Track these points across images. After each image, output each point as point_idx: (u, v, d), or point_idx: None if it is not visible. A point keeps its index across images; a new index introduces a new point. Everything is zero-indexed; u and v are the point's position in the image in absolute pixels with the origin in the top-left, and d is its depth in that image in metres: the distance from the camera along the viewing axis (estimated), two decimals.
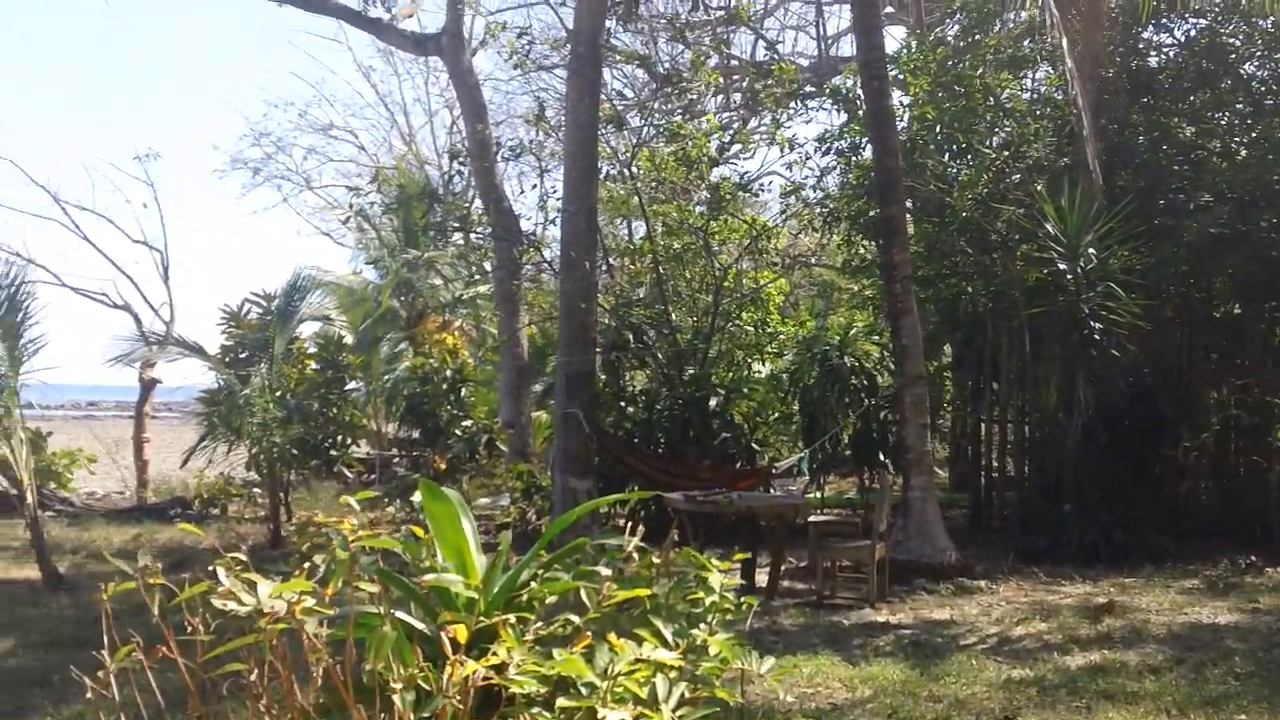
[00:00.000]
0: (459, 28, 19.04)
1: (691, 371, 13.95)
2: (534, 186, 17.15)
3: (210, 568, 3.01)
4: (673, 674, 3.41)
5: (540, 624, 3.72)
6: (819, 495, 13.67)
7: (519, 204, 19.78)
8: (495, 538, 8.89)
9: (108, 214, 21.13)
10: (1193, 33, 13.59)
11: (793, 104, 16.62)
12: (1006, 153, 13.69)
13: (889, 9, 18.88)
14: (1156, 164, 12.96)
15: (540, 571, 4.30)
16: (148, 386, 18.69)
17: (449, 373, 14.64)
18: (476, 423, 14.37)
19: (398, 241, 23.42)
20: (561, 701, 3.12)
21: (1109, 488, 11.22)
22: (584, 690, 3.17)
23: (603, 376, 13.89)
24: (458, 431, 14.19)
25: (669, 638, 3.66)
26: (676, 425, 13.30)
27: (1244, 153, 13.37)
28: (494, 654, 3.14)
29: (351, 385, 15.96)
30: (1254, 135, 13.29)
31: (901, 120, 13.56)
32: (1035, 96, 14.69)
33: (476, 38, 19.76)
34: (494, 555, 4.42)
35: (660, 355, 14.49)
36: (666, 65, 18.84)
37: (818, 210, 15.52)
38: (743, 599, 4.03)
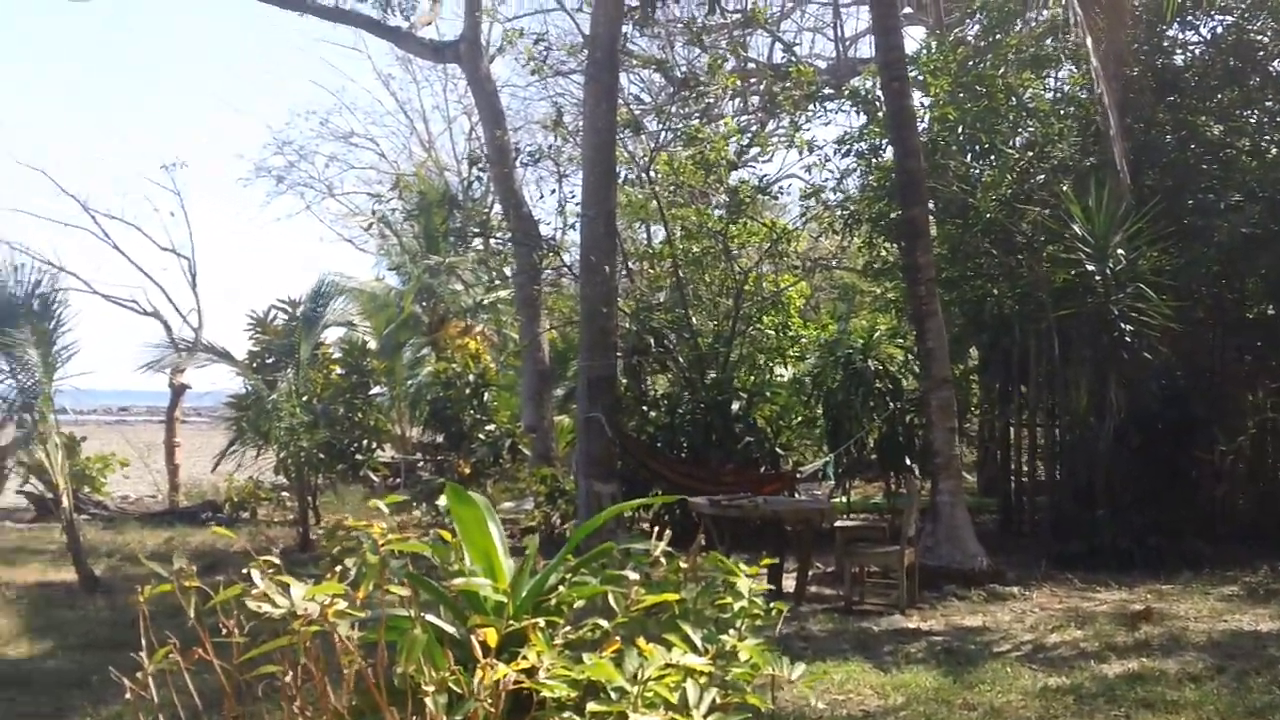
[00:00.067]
0: (476, 35, 19.13)
1: (713, 375, 13.96)
2: (553, 191, 17.21)
3: (244, 570, 3.04)
4: (703, 679, 3.41)
5: (569, 628, 3.73)
6: (844, 500, 13.63)
7: (538, 209, 19.90)
8: (520, 542, 8.98)
9: (136, 222, 21.32)
10: (1219, 30, 13.47)
11: (811, 106, 16.61)
12: (1030, 153, 13.62)
13: (907, 9, 18.82)
14: (1184, 163, 12.85)
15: (567, 576, 4.32)
16: (178, 392, 18.85)
17: (471, 377, 14.72)
18: (499, 427, 14.43)
19: (419, 247, 23.55)
20: (592, 706, 3.13)
21: (1142, 492, 11.09)
22: (614, 695, 3.18)
23: (624, 381, 13.90)
24: (481, 436, 14.25)
25: (698, 643, 3.66)
26: (699, 429, 13.30)
27: (1274, 151, 13.24)
28: (524, 658, 3.15)
29: (375, 390, 16.07)
30: None
31: (922, 121, 13.50)
32: (1059, 96, 14.61)
33: (494, 45, 19.88)
34: (521, 559, 4.45)
35: (681, 359, 14.49)
36: (683, 69, 18.86)
37: (838, 213, 15.48)
38: (772, 604, 4.02)
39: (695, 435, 13.30)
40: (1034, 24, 15.00)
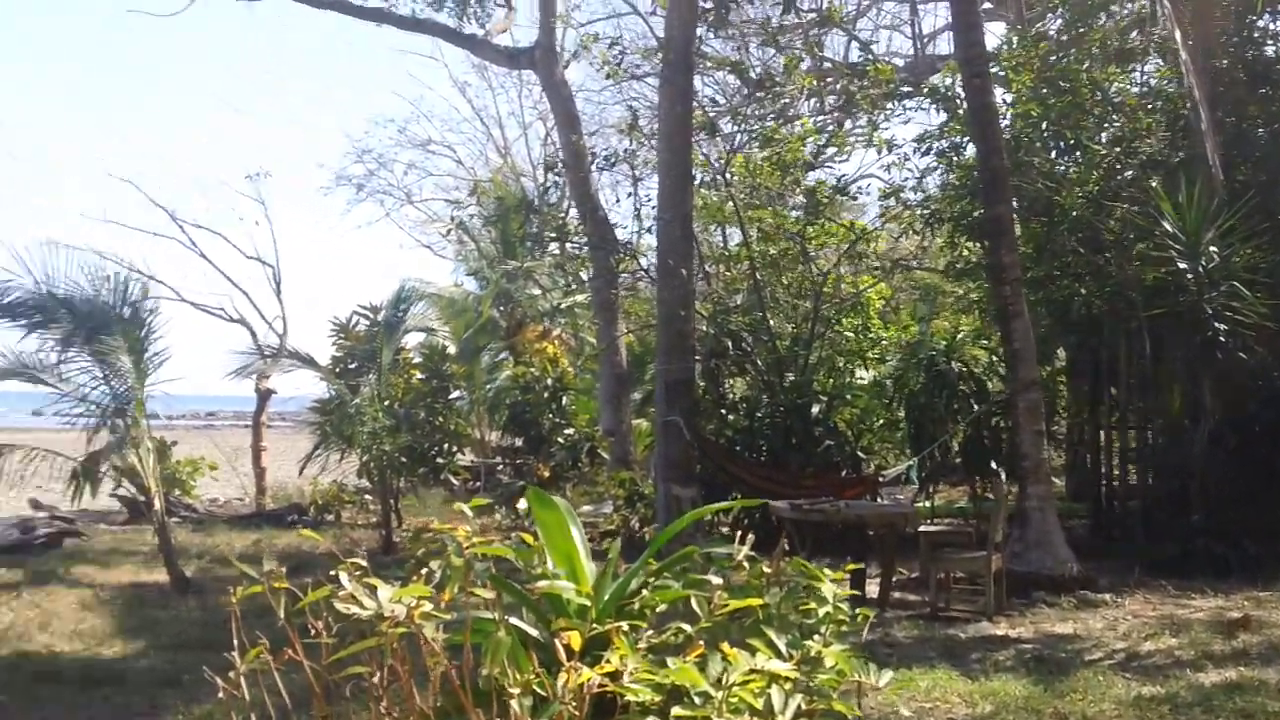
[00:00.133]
0: (551, 41, 19.28)
1: (792, 378, 13.84)
2: (629, 195, 17.25)
3: (331, 572, 3.07)
4: (788, 685, 3.37)
5: (651, 632, 3.72)
6: (928, 504, 13.41)
7: (614, 213, 19.95)
8: (599, 545, 8.97)
9: (223, 231, 21.84)
10: None
11: (890, 105, 16.40)
12: (1117, 148, 13.27)
13: (987, 4, 18.50)
14: (1278, 157, 12.42)
15: (649, 580, 4.30)
16: (264, 397, 19.24)
17: (550, 381, 14.80)
18: (578, 431, 14.48)
19: (496, 252, 23.79)
20: (676, 711, 3.11)
21: (1238, 495, 10.71)
22: (698, 700, 3.16)
23: (702, 384, 13.86)
24: (560, 439, 14.31)
25: (782, 648, 3.62)
26: (778, 432, 13.20)
27: None
28: (607, 661, 3.14)
29: (455, 394, 16.23)
30: None
31: (1004, 118, 13.25)
32: (1146, 90, 14.22)
33: (568, 50, 20.00)
34: (603, 563, 4.44)
35: (760, 362, 14.40)
36: (759, 70, 18.76)
37: (918, 212, 15.26)
38: (858, 610, 3.97)
39: (774, 438, 13.20)
40: (1119, 17, 14.64)
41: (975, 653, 7.66)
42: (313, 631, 3.08)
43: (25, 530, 13.62)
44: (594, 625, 3.56)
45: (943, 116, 15.03)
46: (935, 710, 6.23)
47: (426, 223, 31.33)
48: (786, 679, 3.36)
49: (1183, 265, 10.94)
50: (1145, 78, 14.61)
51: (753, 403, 14.14)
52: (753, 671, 3.27)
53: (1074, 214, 12.67)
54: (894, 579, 9.70)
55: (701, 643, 3.45)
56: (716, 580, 3.91)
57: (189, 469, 18.25)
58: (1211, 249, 10.87)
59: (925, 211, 15.04)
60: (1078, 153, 13.40)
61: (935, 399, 12.86)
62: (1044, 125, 13.28)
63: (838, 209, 16.34)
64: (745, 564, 4.08)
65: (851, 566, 4.79)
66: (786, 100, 18.29)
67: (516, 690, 3.13)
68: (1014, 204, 11.99)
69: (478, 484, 17.51)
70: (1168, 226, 11.01)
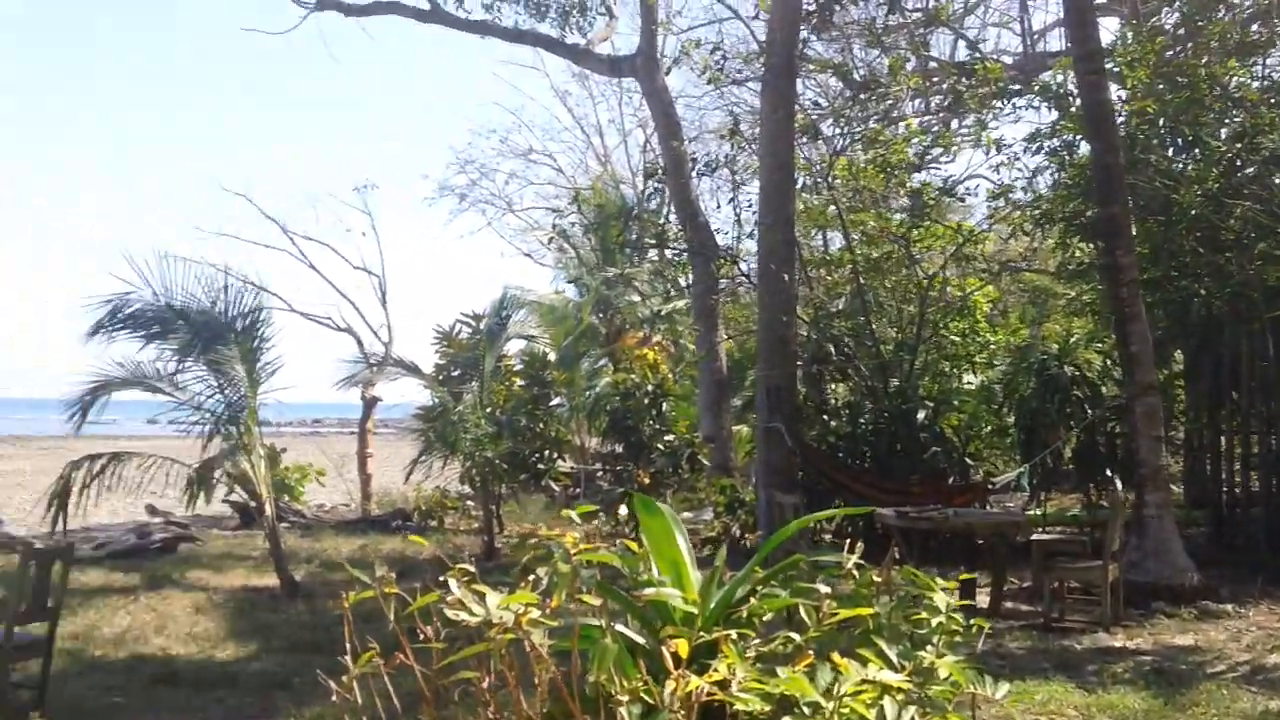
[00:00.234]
0: (652, 48, 19.32)
1: (896, 383, 13.59)
2: (730, 201, 17.13)
3: (440, 578, 3.08)
4: (900, 696, 3.29)
5: (759, 641, 3.66)
6: (1040, 512, 13.02)
7: (714, 219, 19.92)
8: (700, 552, 8.88)
9: (331, 242, 22.40)
10: None
11: (998, 103, 16.01)
12: (1238, 145, 12.73)
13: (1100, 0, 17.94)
14: None
15: (756, 587, 4.24)
16: (369, 404, 19.63)
17: (650, 388, 14.76)
18: (678, 437, 14.42)
19: (596, 260, 23.92)
20: None
21: None
22: (808, 710, 3.10)
23: (804, 389, 13.70)
24: (660, 446, 14.27)
25: (894, 659, 3.53)
26: (883, 439, 12.97)
27: None
28: (715, 670, 3.10)
29: (555, 401, 16.33)
30: None
31: (1119, 115, 12.82)
32: (1268, 84, 13.62)
33: (669, 56, 20.00)
34: (709, 570, 4.39)
35: (863, 367, 14.17)
36: (863, 72, 18.50)
37: (1029, 212, 14.85)
38: (972, 620, 3.85)
39: (879, 445, 12.97)
40: (1239, 10, 14.06)
41: (1091, 665, 7.43)
42: (421, 636, 3.09)
43: (142, 535, 14.10)
44: (701, 633, 3.52)
45: (1054, 114, 14.65)
46: None
47: (527, 231, 31.68)
48: (899, 690, 3.28)
49: None
50: (1267, 71, 14.00)
51: (856, 408, 13.92)
52: (864, 682, 3.20)
53: (1193, 213, 12.21)
54: (1005, 588, 9.42)
55: (810, 652, 3.38)
56: (824, 589, 3.83)
57: (298, 475, 18.70)
58: None
59: (1036, 212, 14.64)
60: (1196, 149, 12.91)
61: (1047, 404, 12.51)
62: (1161, 122, 12.83)
63: (944, 211, 16.00)
64: (854, 572, 3.99)
65: (966, 576, 4.66)
66: (891, 101, 18.00)
67: (625, 698, 3.10)
68: (1130, 203, 11.60)
69: (578, 490, 17.59)
70: None
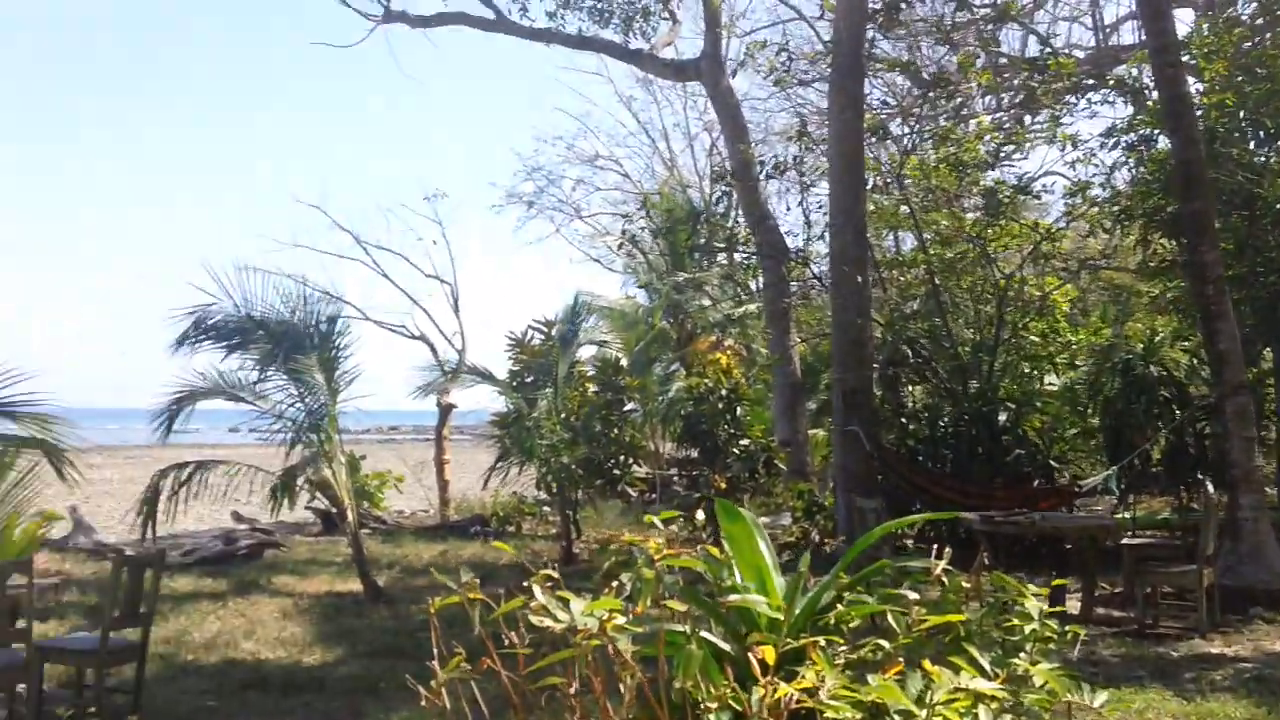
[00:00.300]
0: (717, 51, 19.30)
1: (976, 385, 13.35)
2: (799, 203, 17.02)
3: (525, 584, 3.09)
4: (994, 705, 3.21)
5: (845, 648, 3.61)
6: (1129, 516, 12.71)
7: (783, 221, 19.81)
8: (780, 558, 8.78)
9: (403, 251, 22.66)
10: None
11: (1072, 99, 15.69)
12: None
13: None
14: None
15: (841, 594, 4.18)
16: (445, 411, 19.82)
17: (723, 392, 14.69)
18: (753, 441, 14.32)
19: (665, 265, 23.92)
20: None
21: None
22: (899, 718, 3.04)
23: (880, 392, 13.53)
24: (735, 450, 14.19)
25: (986, 666, 3.46)
26: (963, 442, 12.75)
27: None
28: (803, 677, 3.06)
29: (629, 406, 16.33)
30: None
31: (1197, 108, 12.48)
32: None
33: (733, 59, 19.96)
34: (792, 575, 4.34)
35: (940, 369, 13.96)
36: (931, 69, 18.26)
37: (1107, 209, 14.52)
38: (1067, 627, 3.76)
39: (959, 448, 12.76)
40: None
41: (1188, 672, 7.21)
42: (506, 642, 3.10)
43: (228, 542, 14.39)
44: (787, 640, 3.48)
45: (1131, 109, 14.33)
46: None
47: (595, 236, 31.83)
48: (993, 698, 3.21)
49: None
50: None
51: (934, 411, 13.71)
52: (957, 690, 3.14)
53: (1277, 207, 11.83)
54: (1095, 594, 9.19)
55: (900, 659, 3.33)
56: (913, 595, 3.78)
57: (377, 482, 18.95)
58: None
59: (1115, 208, 14.32)
60: (1279, 142, 12.51)
61: (1133, 405, 12.22)
62: (1241, 114, 12.47)
63: (1019, 209, 15.69)
64: (943, 578, 3.92)
65: (1058, 582, 4.55)
66: (961, 99, 17.74)
67: (713, 704, 3.07)
68: (1212, 197, 11.28)
69: (653, 495, 17.58)
70: None
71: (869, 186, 14.53)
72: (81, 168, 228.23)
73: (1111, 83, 15.09)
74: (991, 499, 10.83)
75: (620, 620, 3.03)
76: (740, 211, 20.95)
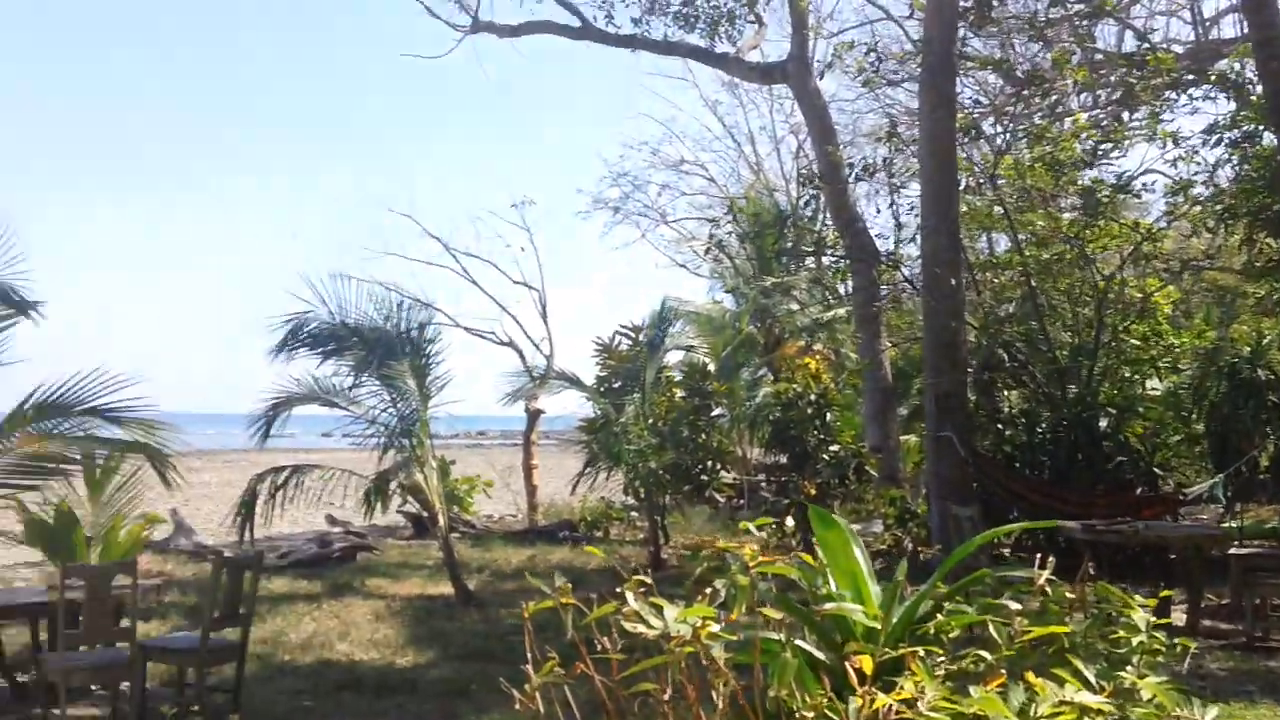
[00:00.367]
0: (804, 53, 19.12)
1: (1075, 390, 12.98)
2: (890, 205, 16.79)
3: (618, 589, 3.07)
4: (1100, 719, 3.10)
5: (945, 658, 3.53)
6: (1236, 524, 12.24)
7: (872, 224, 19.50)
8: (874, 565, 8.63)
9: (491, 258, 22.82)
10: None
11: (1172, 94, 15.19)
12: None
13: None
14: None
15: (940, 603, 4.10)
16: (533, 416, 19.96)
17: (813, 397, 14.54)
18: (844, 447, 14.15)
19: (752, 269, 23.77)
20: None
21: None
22: None
23: (974, 397, 13.25)
24: (825, 456, 14.03)
25: (1091, 679, 3.35)
26: (1062, 448, 12.41)
27: None
28: (902, 688, 2.99)
29: (717, 412, 16.25)
30: None
31: None
32: None
33: (820, 61, 19.75)
34: (889, 584, 4.27)
35: (1037, 373, 13.61)
36: (1025, 67, 17.84)
37: (1210, 208, 14.03)
38: (1176, 640, 3.62)
39: (1058, 455, 12.42)
40: None
41: None
42: (599, 647, 3.09)
43: (323, 544, 14.68)
44: (885, 649, 3.42)
45: (1233, 105, 13.82)
46: None
47: (680, 241, 31.78)
48: (1099, 712, 3.10)
49: None
50: None
51: (1032, 417, 13.37)
52: (1062, 703, 3.04)
53: None
54: (1202, 605, 8.87)
55: (1003, 671, 3.24)
56: (1014, 605, 3.68)
57: (466, 486, 19.17)
58: None
59: (1218, 207, 13.82)
60: None
61: (1240, 410, 11.77)
62: None
63: (1118, 208, 15.25)
64: (1046, 588, 3.81)
65: (1166, 593, 4.39)
66: (1056, 97, 17.31)
67: (809, 714, 3.02)
68: None
69: (741, 501, 17.48)
70: None
71: (961, 187, 14.26)
72: (175, 170, 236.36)
73: (1213, 78, 14.56)
74: (1092, 507, 10.53)
75: (714, 627, 3.00)
76: (828, 214, 20.74)
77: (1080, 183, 14.91)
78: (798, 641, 3.57)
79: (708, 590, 3.32)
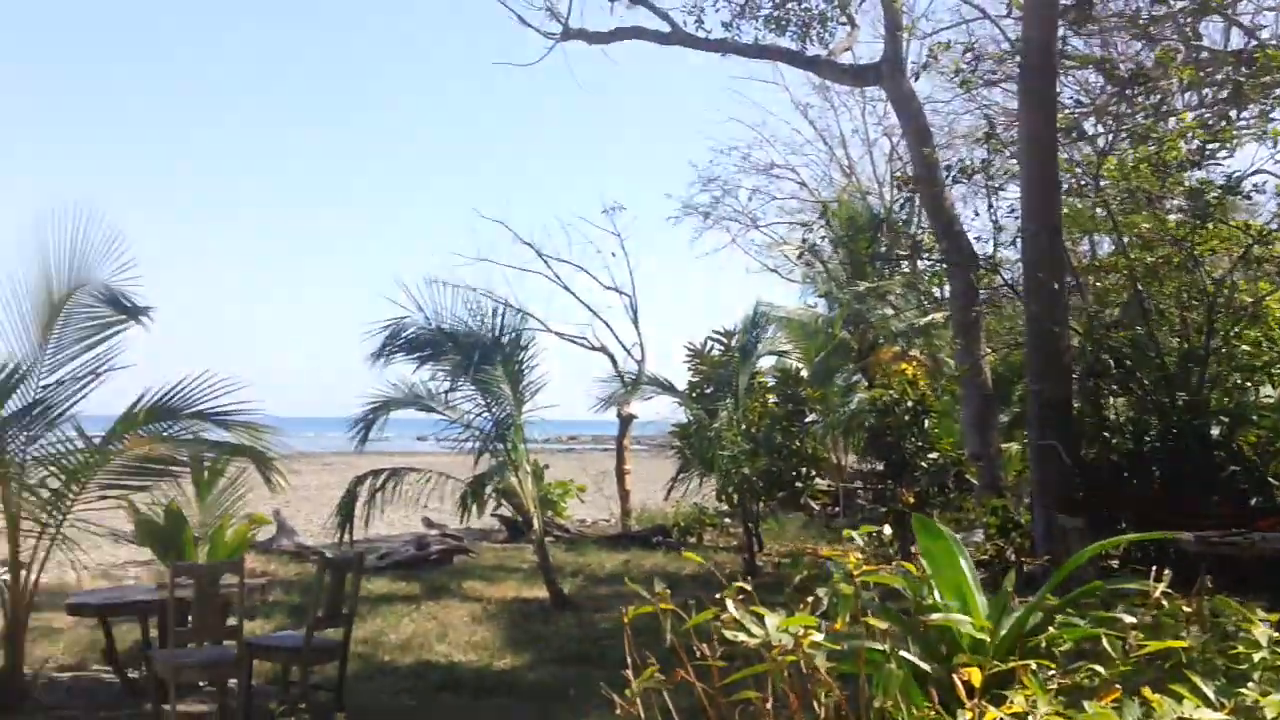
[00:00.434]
0: (898, 54, 18.85)
1: (1184, 397, 12.53)
2: (990, 207, 16.42)
3: (716, 595, 3.06)
4: None
5: (1055, 672, 3.44)
6: None
7: (970, 227, 19.09)
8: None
9: (582, 264, 22.92)
10: None
11: None
12: None
13: None
14: None
15: (1050, 615, 4.00)
16: (625, 421, 20.01)
17: (910, 404, 14.30)
18: (942, 455, 13.88)
19: (844, 273, 23.50)
20: None
21: None
22: None
23: (1079, 405, 12.88)
24: (923, 464, 13.78)
25: (1210, 696, 3.23)
26: (1172, 457, 11.98)
27: None
28: (1012, 702, 2.93)
29: (810, 418, 16.10)
30: None
31: None
32: None
33: (915, 62, 19.43)
34: (996, 595, 4.18)
35: (1145, 380, 13.17)
36: (1128, 66, 17.33)
37: None
38: None
39: (1167, 464, 11.99)
40: None
41: None
42: (698, 653, 3.07)
43: (420, 547, 14.91)
44: (994, 662, 3.34)
45: None
46: None
47: (771, 246, 31.56)
48: None
49: None
50: None
51: (1140, 425, 12.94)
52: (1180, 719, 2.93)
53: None
54: None
55: (1118, 686, 3.15)
56: (1129, 619, 3.57)
57: (560, 491, 19.29)
58: None
59: None
60: None
61: None
62: None
63: (1228, 210, 14.70)
64: (1163, 602, 3.69)
65: None
66: (1160, 96, 16.78)
67: None
68: None
69: (837, 509, 17.29)
70: None
71: (1063, 189, 13.90)
72: (274, 177, 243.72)
73: None
74: (1204, 518, 10.14)
75: (817, 637, 2.97)
76: (924, 218, 20.39)
77: (1187, 184, 14.41)
78: (902, 653, 3.52)
79: (809, 598, 3.28)
